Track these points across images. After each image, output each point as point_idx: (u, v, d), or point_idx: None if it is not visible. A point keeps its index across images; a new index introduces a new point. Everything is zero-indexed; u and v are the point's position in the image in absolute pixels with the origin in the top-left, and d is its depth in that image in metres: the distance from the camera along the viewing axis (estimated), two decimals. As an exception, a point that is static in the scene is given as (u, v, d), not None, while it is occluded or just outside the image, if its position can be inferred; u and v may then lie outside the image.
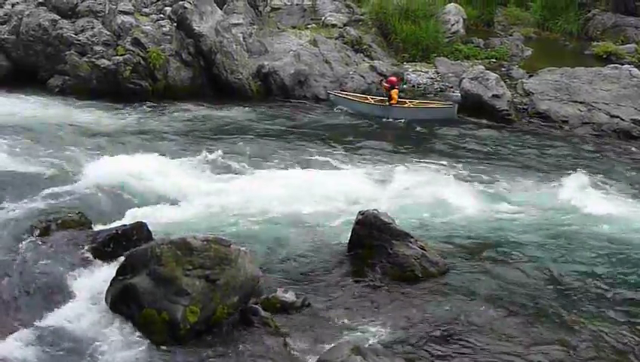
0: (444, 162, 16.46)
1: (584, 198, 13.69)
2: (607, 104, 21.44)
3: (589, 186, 14.52)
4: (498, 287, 9.81)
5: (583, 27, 29.20)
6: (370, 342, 8.30)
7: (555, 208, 13.43)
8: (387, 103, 21.93)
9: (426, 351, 8.32)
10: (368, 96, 22.73)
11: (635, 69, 22.91)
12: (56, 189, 12.68)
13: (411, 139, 19.21)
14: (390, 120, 21.48)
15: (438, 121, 21.28)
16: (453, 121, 21.33)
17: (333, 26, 27.82)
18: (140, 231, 10.30)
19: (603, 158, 18.06)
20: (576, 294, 9.79)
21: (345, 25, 27.82)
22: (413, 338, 8.54)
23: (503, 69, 25.23)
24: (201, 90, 23.44)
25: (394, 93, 21.89)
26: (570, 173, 15.54)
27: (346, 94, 22.93)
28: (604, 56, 26.23)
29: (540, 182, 15.14)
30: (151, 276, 8.37)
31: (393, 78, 22.52)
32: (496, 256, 10.97)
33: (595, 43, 27.47)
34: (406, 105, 22.22)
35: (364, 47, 26.31)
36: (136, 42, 22.89)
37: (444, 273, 10.15)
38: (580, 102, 21.68)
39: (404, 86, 24.58)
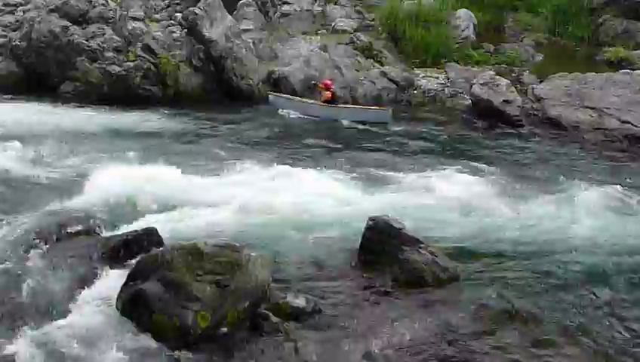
0: (454, 168, 16.40)
1: (598, 206, 13.61)
2: (618, 109, 21.39)
3: (603, 193, 14.42)
4: (510, 295, 9.74)
5: (594, 33, 29.14)
6: (381, 348, 8.26)
7: (567, 215, 13.34)
8: (323, 103, 22.46)
9: (438, 358, 8.28)
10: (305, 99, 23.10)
11: (647, 75, 22.85)
12: (66, 195, 12.73)
13: (421, 144, 19.17)
14: (329, 120, 21.93)
15: (445, 127, 21.29)
16: (468, 126, 21.32)
17: (344, 31, 27.88)
18: (150, 236, 10.31)
19: (615, 164, 17.99)
20: (592, 305, 9.69)
21: (355, 30, 27.89)
22: (424, 345, 8.50)
23: (513, 75, 25.25)
24: (212, 95, 23.53)
25: (328, 93, 22.31)
26: (582, 180, 15.46)
27: (285, 95, 23.11)
28: (615, 61, 26.18)
29: (552, 189, 15.03)
30: (161, 281, 8.36)
31: (328, 81, 22.77)
32: (508, 263, 10.91)
33: (606, 48, 27.42)
34: (342, 106, 22.57)
35: (375, 52, 26.35)
36: (147, 48, 22.99)
37: (455, 279, 10.09)
38: (591, 108, 21.63)
39: (414, 91, 24.65)
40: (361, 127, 21.23)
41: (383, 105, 23.12)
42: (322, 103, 22.44)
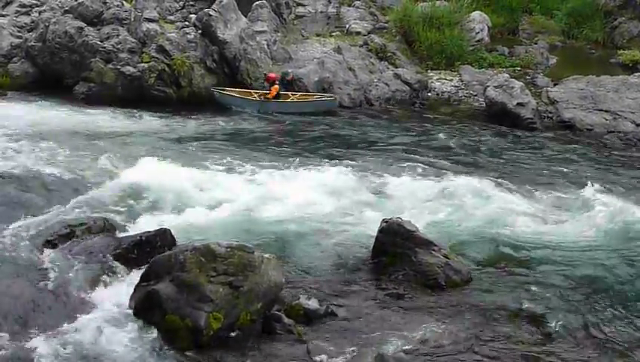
0: (468, 170, 16.37)
1: (612, 209, 13.50)
2: (633, 113, 21.31)
3: (618, 197, 14.34)
4: (523, 298, 9.71)
5: (609, 35, 28.98)
6: (394, 350, 8.25)
7: (581, 218, 13.26)
8: (264, 98, 22.68)
9: (450, 361, 8.27)
10: (252, 92, 23.20)
11: (662, 78, 22.72)
12: (80, 195, 12.78)
13: (435, 146, 19.09)
14: (273, 114, 22.29)
15: (458, 129, 21.25)
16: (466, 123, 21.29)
17: (358, 33, 27.84)
18: (163, 237, 10.36)
19: (629, 168, 17.87)
20: (607, 308, 9.63)
21: (369, 32, 27.82)
22: (436, 347, 8.48)
23: (527, 77, 25.12)
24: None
25: (274, 88, 22.53)
26: (597, 183, 15.37)
27: (230, 91, 23.15)
28: (630, 64, 26.04)
29: (566, 192, 14.97)
30: (174, 282, 8.38)
31: (273, 74, 22.92)
32: (522, 266, 10.87)
33: (621, 51, 27.25)
34: (289, 100, 22.84)
35: (389, 54, 26.27)
36: (161, 49, 23.03)
37: (468, 282, 10.08)
38: (606, 111, 21.56)
39: (428, 93, 24.60)
40: (371, 129, 21.14)
41: (329, 94, 23.41)
42: (263, 98, 22.63)
